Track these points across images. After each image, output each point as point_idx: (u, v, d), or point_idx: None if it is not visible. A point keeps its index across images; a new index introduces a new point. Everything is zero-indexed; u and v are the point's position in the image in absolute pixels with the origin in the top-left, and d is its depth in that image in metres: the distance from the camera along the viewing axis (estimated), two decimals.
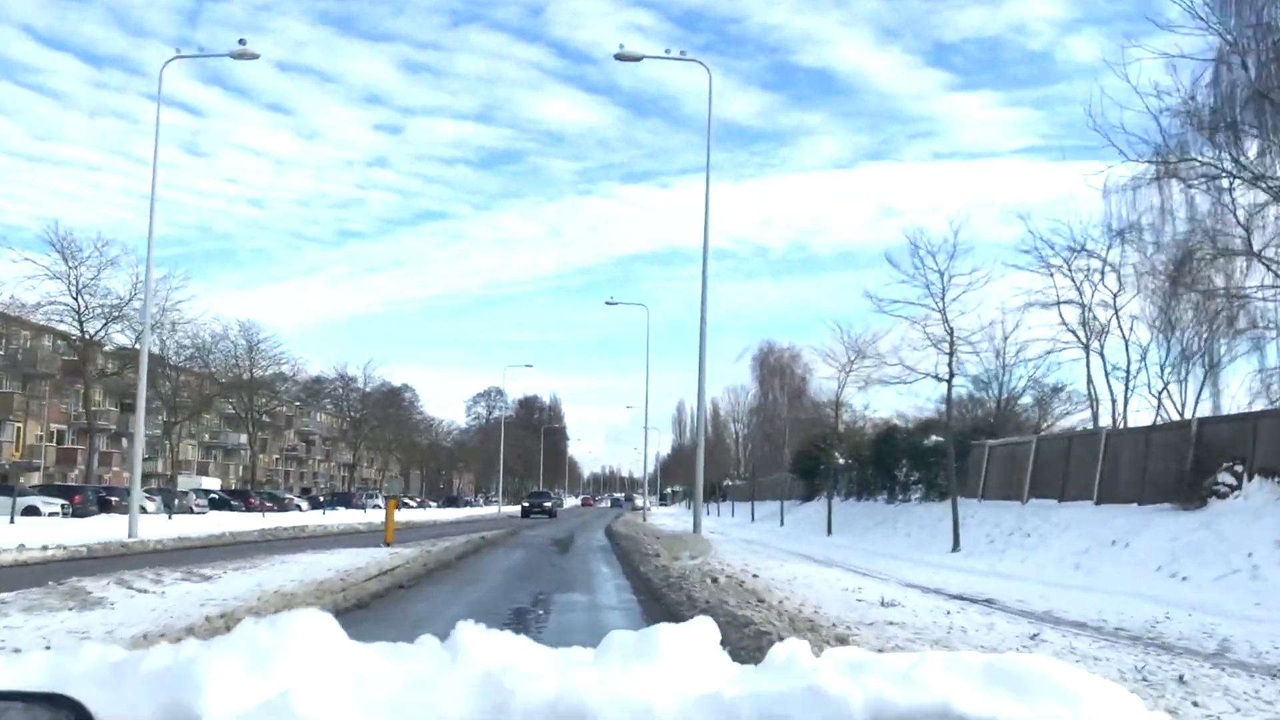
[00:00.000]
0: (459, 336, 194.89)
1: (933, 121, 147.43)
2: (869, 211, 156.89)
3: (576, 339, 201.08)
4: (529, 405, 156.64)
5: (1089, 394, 33.67)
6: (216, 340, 62.34)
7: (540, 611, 12.84)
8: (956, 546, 26.29)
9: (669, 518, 69.03)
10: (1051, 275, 31.64)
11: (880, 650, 5.10)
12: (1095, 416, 33.42)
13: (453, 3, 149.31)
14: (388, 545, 23.68)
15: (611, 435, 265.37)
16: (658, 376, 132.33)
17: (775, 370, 77.64)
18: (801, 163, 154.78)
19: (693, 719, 1.50)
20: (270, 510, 59.02)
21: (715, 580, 14.82)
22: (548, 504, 68.01)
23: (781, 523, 50.97)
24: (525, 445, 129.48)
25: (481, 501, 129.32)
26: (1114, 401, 32.30)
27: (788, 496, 56.47)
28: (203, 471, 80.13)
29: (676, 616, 10.38)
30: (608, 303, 62.03)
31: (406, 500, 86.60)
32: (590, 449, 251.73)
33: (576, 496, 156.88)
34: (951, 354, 27.20)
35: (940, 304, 26.49)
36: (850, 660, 1.67)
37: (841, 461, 43.22)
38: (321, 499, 78.70)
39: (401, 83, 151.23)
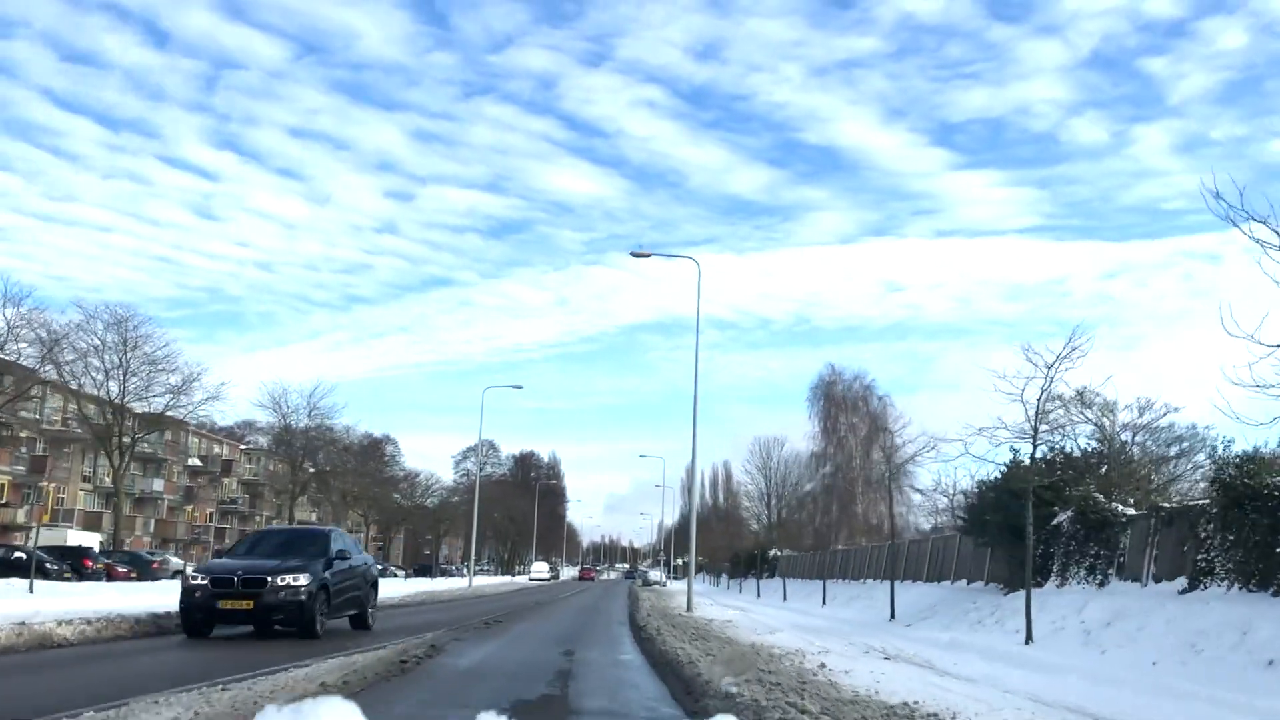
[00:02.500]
0: (461, 403, 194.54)
1: (936, 199, 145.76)
2: (872, 286, 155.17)
3: (580, 407, 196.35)
4: (525, 463, 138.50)
5: None
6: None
7: None
8: None
9: (706, 599, 50.41)
10: None
11: None
12: None
13: (466, 75, 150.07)
14: None
15: (612, 504, 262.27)
16: (660, 445, 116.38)
17: (843, 404, 57.73)
18: (805, 237, 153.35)
19: None
20: (125, 577, 38.67)
21: None
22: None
23: (892, 615, 29.76)
24: (519, 507, 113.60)
25: (466, 572, 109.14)
26: None
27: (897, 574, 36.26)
28: (92, 525, 59.30)
29: None
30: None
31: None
32: (590, 515, 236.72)
33: (575, 566, 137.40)
34: None
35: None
36: None
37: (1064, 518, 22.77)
38: None
39: (413, 151, 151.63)
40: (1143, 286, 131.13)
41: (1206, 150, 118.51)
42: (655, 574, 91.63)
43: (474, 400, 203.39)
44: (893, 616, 26.77)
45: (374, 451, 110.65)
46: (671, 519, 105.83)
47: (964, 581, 27.89)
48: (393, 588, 43.12)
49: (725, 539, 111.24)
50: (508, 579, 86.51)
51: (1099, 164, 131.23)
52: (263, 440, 72.12)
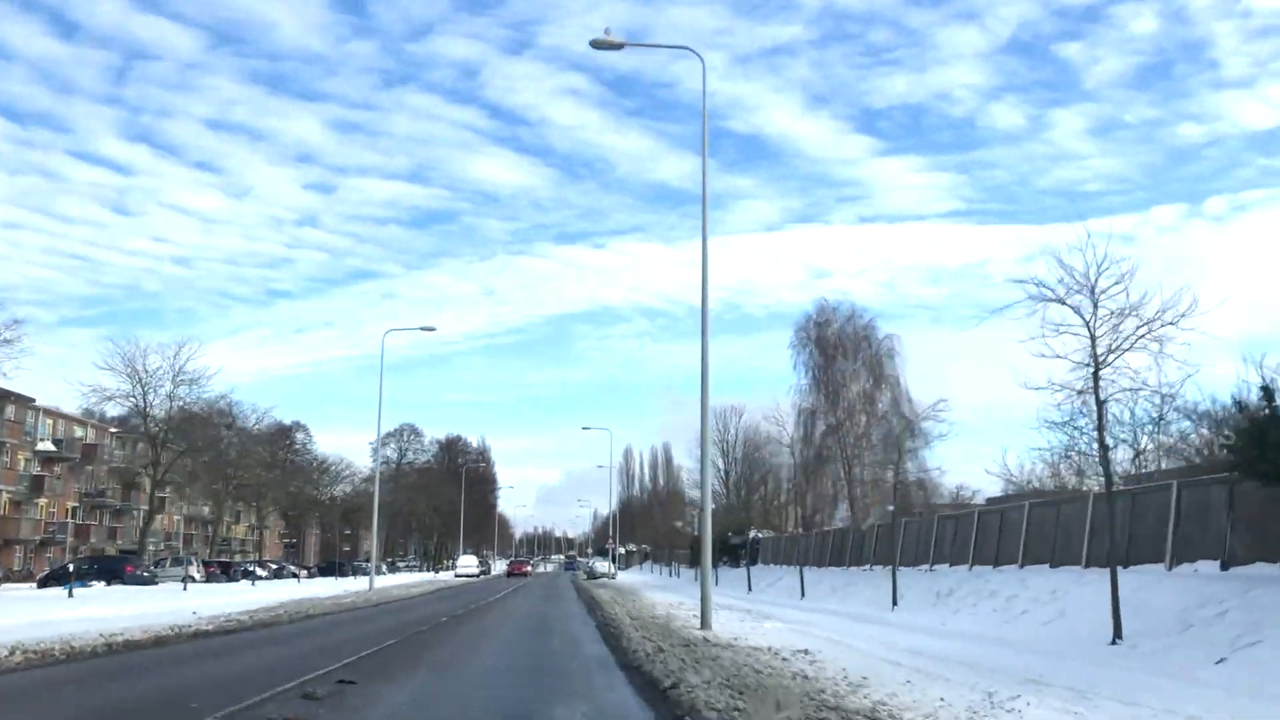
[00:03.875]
0: (390, 396, 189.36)
1: (860, 186, 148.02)
2: (799, 273, 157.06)
3: (509, 399, 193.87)
4: (451, 449, 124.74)
5: None
6: None
7: None
8: None
9: (686, 598, 39.26)
10: None
11: None
12: None
13: (386, 64, 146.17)
14: None
15: (544, 495, 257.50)
16: (592, 434, 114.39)
17: (837, 348, 45.81)
18: (733, 225, 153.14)
19: None
20: None
21: None
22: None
23: (1117, 634, 17.70)
24: (446, 497, 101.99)
25: (385, 569, 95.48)
26: None
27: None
28: None
29: None
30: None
31: (243, 566, 59.25)
32: (524, 504, 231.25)
33: (507, 559, 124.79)
34: None
35: None
36: None
37: None
38: (81, 567, 43.85)
39: (333, 142, 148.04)
40: (1059, 269, 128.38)
41: (1121, 133, 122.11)
42: (602, 564, 79.42)
43: (400, 394, 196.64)
44: (1118, 637, 14.12)
45: (281, 439, 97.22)
46: (613, 503, 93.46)
47: (1211, 564, 15.59)
48: (235, 599, 30.06)
49: (667, 524, 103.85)
50: (429, 576, 73.17)
51: (1017, 148, 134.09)
52: (115, 411, 57.61)
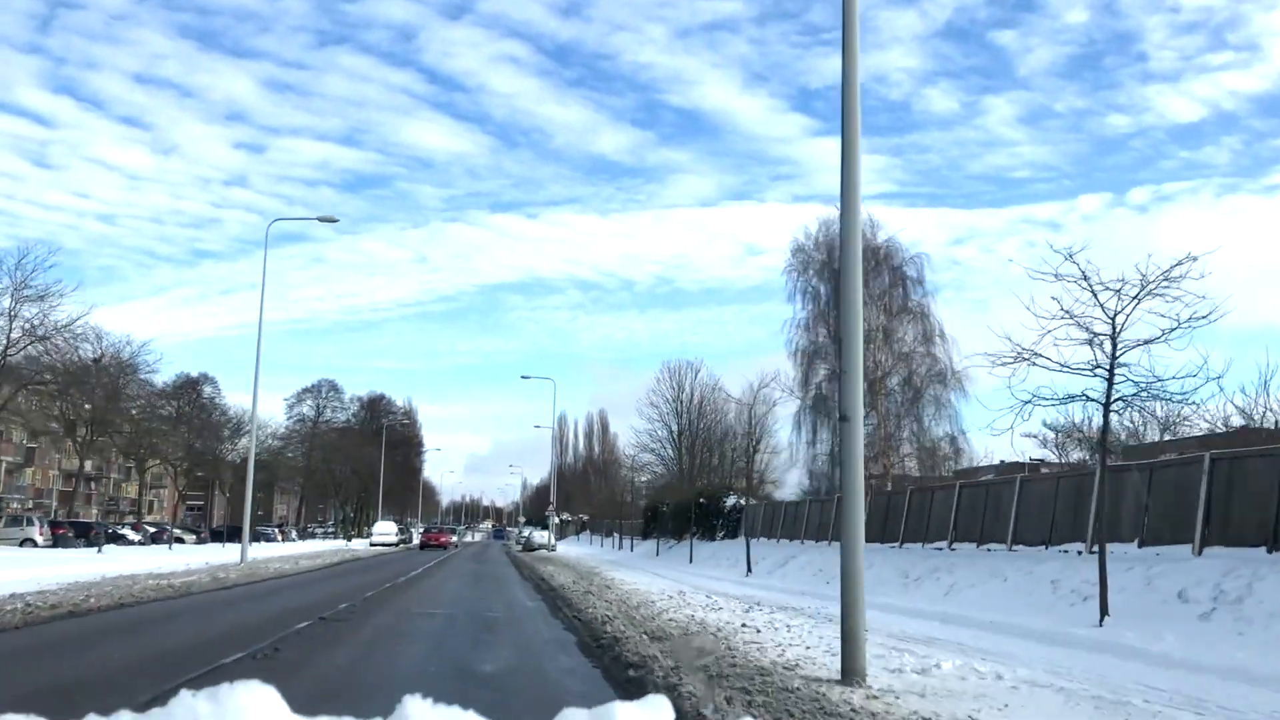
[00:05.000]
0: (314, 362, 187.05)
1: (795, 164, 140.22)
2: (733, 249, 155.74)
3: (439, 367, 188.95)
4: (374, 408, 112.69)
5: None
6: None
7: None
8: None
9: (628, 569, 33.50)
10: None
11: None
12: None
13: (320, 23, 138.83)
14: None
15: (473, 464, 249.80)
16: (526, 407, 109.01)
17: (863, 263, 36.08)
18: (668, 199, 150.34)
19: None
20: None
21: None
22: None
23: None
24: (366, 460, 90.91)
25: (295, 535, 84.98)
26: None
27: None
28: None
29: None
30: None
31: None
32: (452, 470, 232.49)
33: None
34: None
35: None
36: None
37: None
38: None
39: (264, 101, 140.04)
40: (989, 252, 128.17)
41: (1050, 122, 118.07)
42: (540, 534, 67.83)
43: (326, 359, 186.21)
44: None
45: (187, 392, 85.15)
46: (554, 461, 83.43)
47: None
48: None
49: (604, 493, 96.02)
50: (339, 545, 62.04)
51: (950, 133, 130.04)
52: None
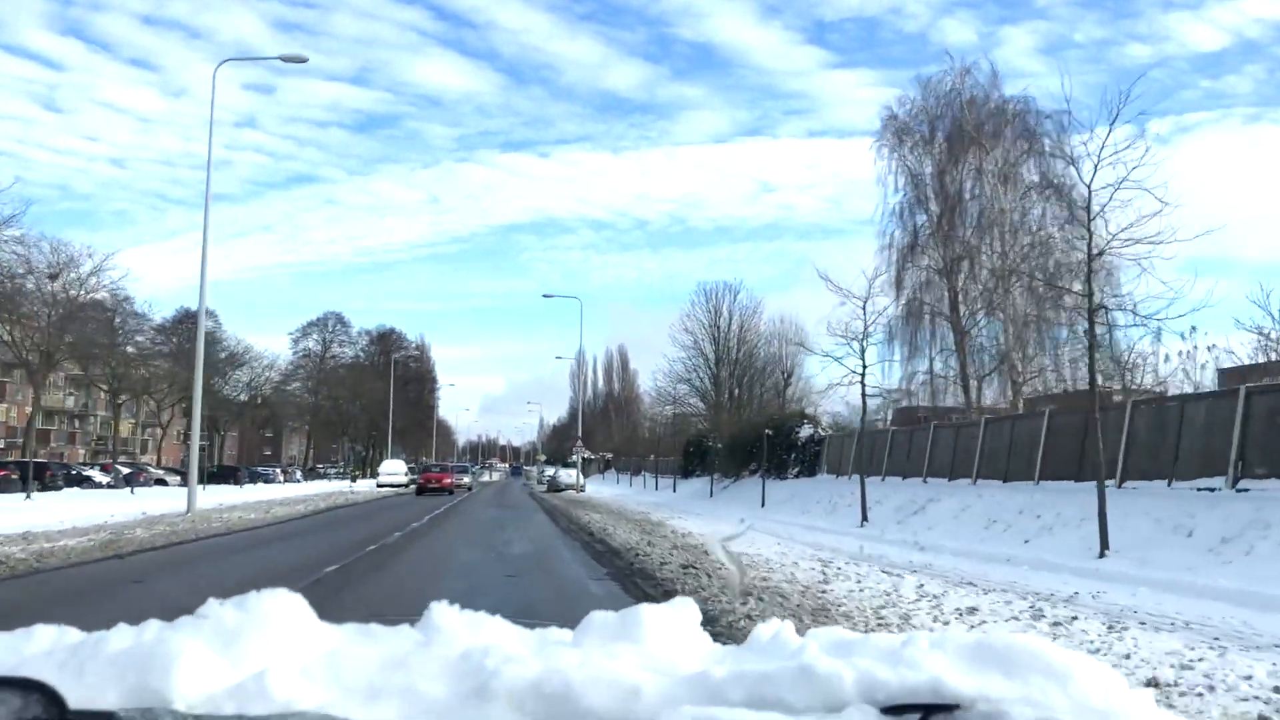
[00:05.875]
0: (328, 305, 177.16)
1: (809, 99, 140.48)
2: (746, 186, 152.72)
3: (452, 309, 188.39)
4: (385, 342, 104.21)
5: None
6: None
7: None
8: None
9: (690, 516, 27.08)
10: None
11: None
12: None
13: None
14: None
15: (488, 405, 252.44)
16: (541, 346, 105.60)
17: (963, 130, 28.26)
18: (680, 136, 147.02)
19: (681, 700, 1.29)
20: None
21: None
22: None
23: None
24: (376, 396, 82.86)
25: (300, 476, 77.59)
26: None
27: None
28: None
29: None
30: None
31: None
32: (467, 408, 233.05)
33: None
34: None
35: None
36: (837, 640, 1.49)
37: None
38: None
39: (274, 41, 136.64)
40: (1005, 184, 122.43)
41: (1069, 53, 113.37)
42: (567, 473, 58.94)
43: (341, 303, 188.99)
44: None
45: (185, 325, 77.91)
46: (582, 392, 75.81)
47: None
48: None
49: (625, 430, 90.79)
50: (338, 488, 53.53)
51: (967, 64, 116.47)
52: None
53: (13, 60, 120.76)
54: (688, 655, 1.48)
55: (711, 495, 38.20)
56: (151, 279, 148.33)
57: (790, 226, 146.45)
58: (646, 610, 1.57)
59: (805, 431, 33.98)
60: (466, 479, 57.97)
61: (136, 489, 39.36)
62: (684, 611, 1.60)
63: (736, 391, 59.76)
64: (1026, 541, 16.14)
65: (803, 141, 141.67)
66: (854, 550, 16.42)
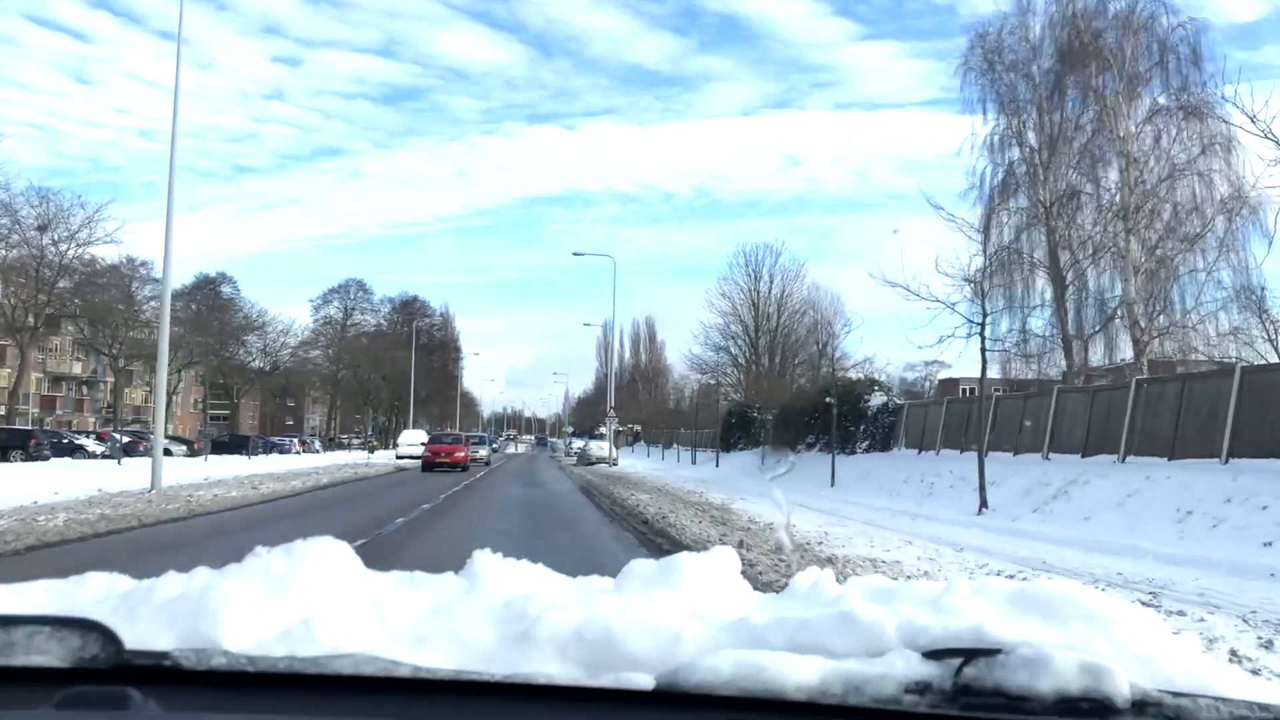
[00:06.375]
0: (355, 276, 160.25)
1: (836, 71, 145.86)
2: (773, 159, 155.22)
3: (478, 281, 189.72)
4: (408, 309, 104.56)
5: None
6: None
7: None
8: None
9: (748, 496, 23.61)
10: None
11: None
12: None
13: None
14: None
15: (513, 378, 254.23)
16: (566, 319, 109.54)
17: (1075, 40, 26.20)
18: (706, 109, 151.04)
19: (723, 645, 1.34)
20: None
21: None
22: None
23: None
24: (398, 364, 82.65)
25: (319, 446, 77.57)
26: None
27: None
28: None
29: None
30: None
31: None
32: (493, 379, 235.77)
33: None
34: None
35: None
36: (877, 587, 1.56)
37: None
38: None
39: (301, 13, 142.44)
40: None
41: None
42: (598, 446, 56.06)
43: (366, 276, 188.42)
44: None
45: (203, 290, 78.51)
46: (612, 360, 74.73)
47: None
48: None
49: (653, 402, 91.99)
50: (351, 459, 52.30)
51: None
52: None
53: (44, 33, 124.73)
54: (728, 603, 1.54)
55: (757, 470, 36.02)
56: (179, 250, 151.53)
57: (817, 200, 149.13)
58: (686, 559, 1.63)
59: (876, 400, 31.19)
60: (484, 452, 51.00)
61: (129, 459, 38.21)
62: (724, 560, 1.66)
63: (777, 359, 59.36)
64: (1268, 544, 12.25)
65: (830, 114, 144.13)
66: (1007, 552, 13.23)
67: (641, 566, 1.65)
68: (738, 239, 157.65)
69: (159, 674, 1.24)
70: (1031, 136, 27.30)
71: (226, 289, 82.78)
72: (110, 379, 70.10)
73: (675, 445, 64.30)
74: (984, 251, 25.04)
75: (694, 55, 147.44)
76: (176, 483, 22.32)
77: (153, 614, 1.43)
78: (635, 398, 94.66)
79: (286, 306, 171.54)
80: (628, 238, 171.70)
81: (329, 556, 1.60)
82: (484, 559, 1.66)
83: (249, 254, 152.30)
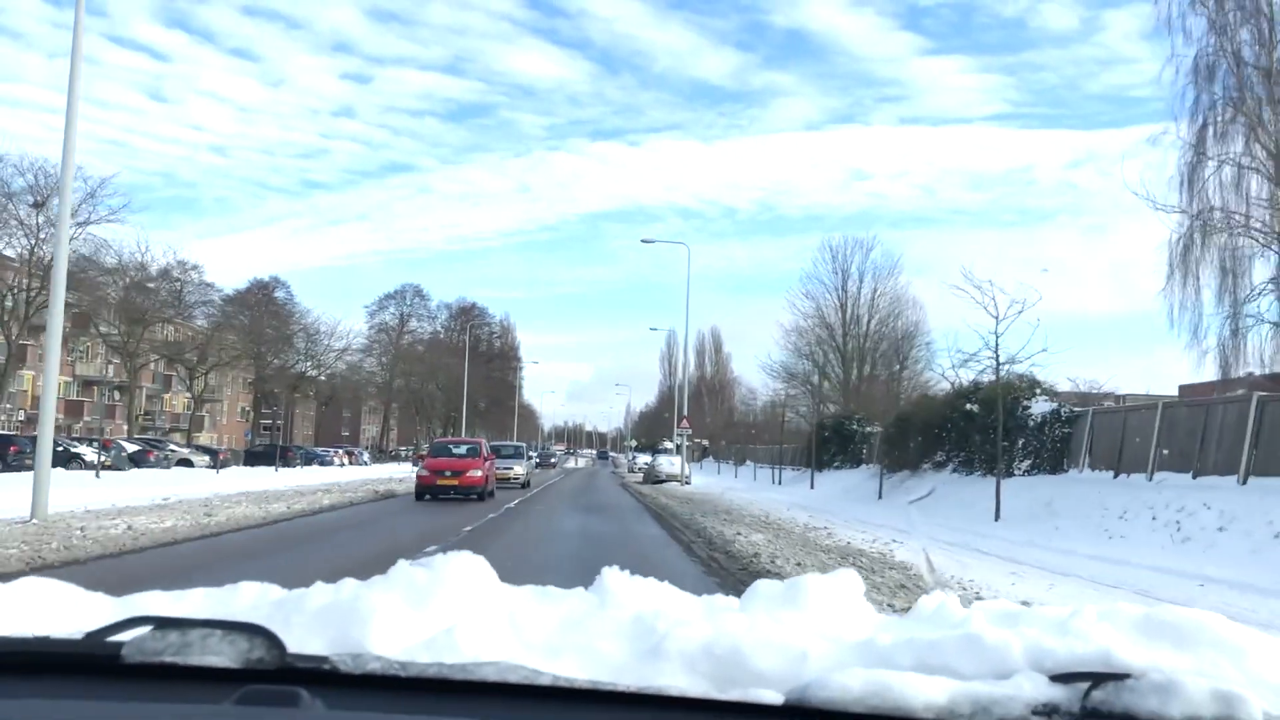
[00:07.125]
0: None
1: (902, 86, 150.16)
2: (837, 174, 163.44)
3: (541, 296, 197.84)
4: (466, 317, 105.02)
5: None
6: None
7: None
8: None
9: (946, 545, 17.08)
10: None
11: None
12: None
13: None
14: None
15: (575, 392, 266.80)
16: (627, 334, 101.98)
17: None
18: (771, 124, 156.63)
19: (849, 665, 1.39)
20: None
21: None
22: None
23: None
24: (455, 374, 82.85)
25: (367, 458, 78.44)
26: None
27: None
28: None
29: None
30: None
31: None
32: (554, 390, 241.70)
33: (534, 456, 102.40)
34: None
35: None
36: (1003, 611, 1.67)
37: None
38: None
39: (370, 31, 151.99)
40: (1107, 175, 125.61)
41: (1175, 37, 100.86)
42: (668, 461, 51.09)
43: (430, 290, 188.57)
44: None
45: (257, 295, 79.62)
46: (683, 361, 72.93)
47: None
48: None
49: (720, 415, 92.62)
50: (402, 471, 51.57)
51: (1067, 50, 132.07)
52: None
53: (122, 51, 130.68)
54: (853, 623, 1.65)
55: (881, 497, 31.04)
56: (249, 264, 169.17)
57: (882, 215, 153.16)
58: (811, 580, 1.75)
59: (1040, 406, 25.27)
60: (519, 469, 38.23)
61: (138, 470, 37.20)
62: (848, 582, 1.77)
63: (866, 366, 56.60)
64: None
65: (896, 129, 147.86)
66: None
67: (766, 586, 1.76)
68: (801, 254, 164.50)
69: (318, 676, 1.36)
70: (1248, 58, 23.65)
71: (280, 294, 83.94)
72: (148, 385, 69.51)
73: (749, 461, 62.33)
74: (1186, 212, 23.36)
75: (758, 71, 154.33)
76: (105, 506, 18.38)
77: (306, 621, 1.58)
78: (701, 410, 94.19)
79: (351, 320, 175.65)
80: (691, 253, 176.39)
81: (467, 570, 1.75)
82: (613, 576, 1.80)
83: (316, 267, 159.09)
